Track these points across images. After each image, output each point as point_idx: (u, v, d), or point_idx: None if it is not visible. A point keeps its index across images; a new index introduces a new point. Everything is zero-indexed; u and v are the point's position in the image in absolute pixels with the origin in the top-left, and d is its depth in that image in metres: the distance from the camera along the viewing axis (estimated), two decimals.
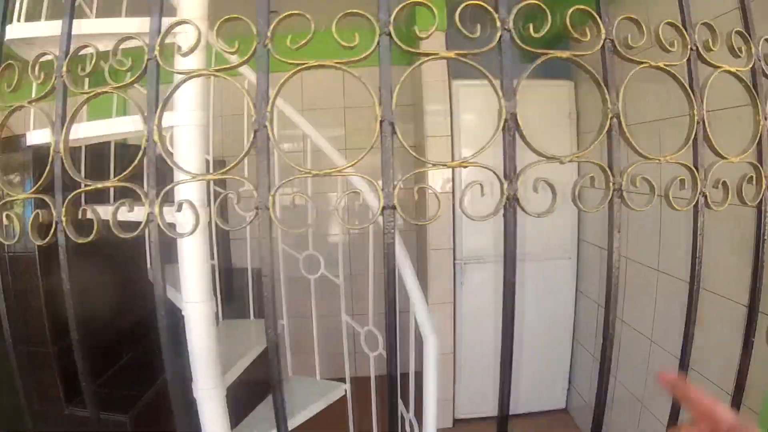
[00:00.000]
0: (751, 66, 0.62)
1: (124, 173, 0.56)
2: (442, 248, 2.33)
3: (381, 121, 0.52)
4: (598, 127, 0.56)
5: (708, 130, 0.59)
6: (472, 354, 2.44)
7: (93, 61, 0.58)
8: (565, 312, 2.45)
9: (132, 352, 1.60)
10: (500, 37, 0.54)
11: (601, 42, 0.57)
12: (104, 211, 0.58)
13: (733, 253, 1.35)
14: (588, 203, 0.57)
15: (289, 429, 0.62)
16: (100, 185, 0.57)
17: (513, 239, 0.55)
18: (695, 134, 0.59)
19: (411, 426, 1.35)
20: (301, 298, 1.67)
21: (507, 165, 0.55)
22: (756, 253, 0.63)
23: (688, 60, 0.59)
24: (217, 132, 1.73)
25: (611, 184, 0.57)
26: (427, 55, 0.55)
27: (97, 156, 1.50)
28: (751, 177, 0.61)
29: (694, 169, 0.59)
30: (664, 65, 0.58)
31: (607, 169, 0.57)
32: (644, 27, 0.57)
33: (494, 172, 0.54)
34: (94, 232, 0.57)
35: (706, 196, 0.60)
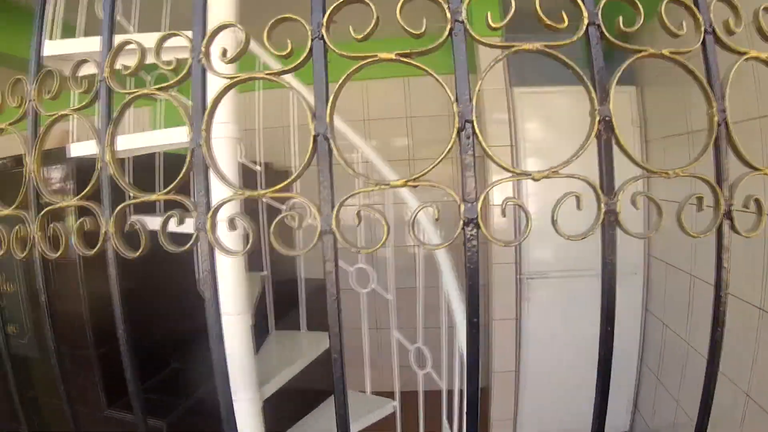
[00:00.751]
0: None
1: (172, 185, 0.56)
2: (505, 262, 2.30)
3: (459, 129, 0.47)
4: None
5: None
6: (536, 372, 2.40)
7: (137, 60, 0.58)
8: (632, 330, 2.37)
9: (177, 362, 1.62)
10: (587, 29, 0.49)
11: (702, 35, 0.51)
12: (152, 222, 0.59)
13: None
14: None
15: None
16: (148, 198, 0.57)
17: (613, 262, 0.49)
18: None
19: None
20: (350, 311, 1.66)
21: (604, 177, 0.49)
22: None
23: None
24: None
25: (721, 204, 0.49)
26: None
27: (140, 169, 1.50)
28: None
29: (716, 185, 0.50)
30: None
31: (716, 185, 0.50)
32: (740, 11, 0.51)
33: (590, 184, 0.48)
34: (142, 246, 0.58)
35: None
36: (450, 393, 1.41)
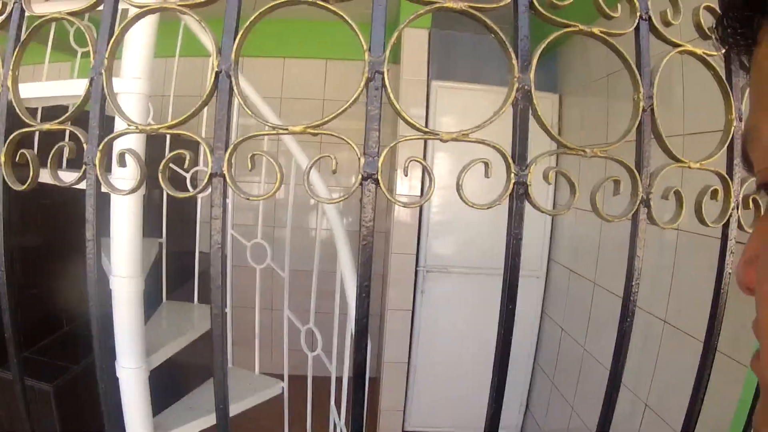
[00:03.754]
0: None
1: (67, 114, 0.52)
2: (404, 253, 2.28)
3: (368, 79, 0.45)
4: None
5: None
6: (428, 365, 2.39)
7: None
8: (529, 332, 2.40)
9: (70, 324, 1.53)
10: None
11: (636, 20, 0.50)
12: (44, 175, 0.54)
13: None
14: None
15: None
16: (41, 127, 0.53)
17: (518, 235, 0.46)
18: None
19: None
20: (245, 288, 1.63)
21: (517, 147, 0.46)
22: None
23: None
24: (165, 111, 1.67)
25: (639, 191, 0.48)
26: None
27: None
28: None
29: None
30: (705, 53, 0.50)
31: (635, 171, 0.48)
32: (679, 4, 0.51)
33: (502, 151, 0.45)
34: (30, 177, 0.53)
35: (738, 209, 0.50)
36: (339, 379, 1.35)
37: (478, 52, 2.33)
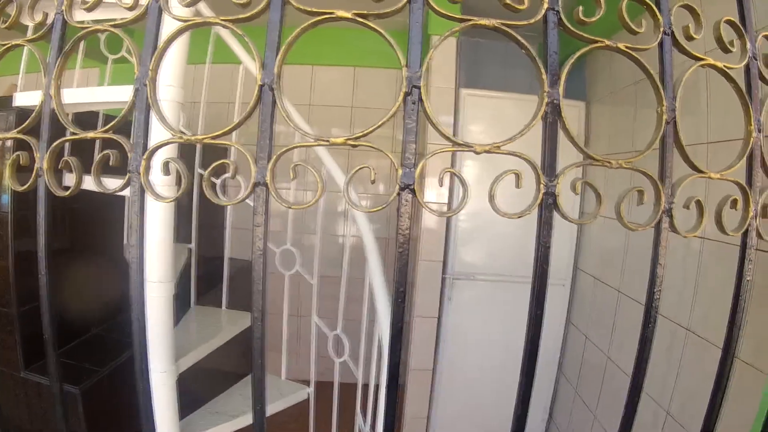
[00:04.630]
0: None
1: (112, 123, 0.54)
2: (432, 260, 2.28)
3: (406, 93, 0.46)
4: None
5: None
6: (453, 373, 2.40)
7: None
8: (554, 340, 2.39)
9: (99, 327, 1.56)
10: (545, 15, 0.49)
11: (660, 35, 0.52)
12: (87, 181, 0.56)
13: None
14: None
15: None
16: (86, 135, 0.55)
17: (547, 243, 0.48)
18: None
19: None
20: (273, 294, 1.63)
21: (546, 158, 0.48)
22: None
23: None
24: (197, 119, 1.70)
25: (662, 201, 0.49)
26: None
27: (82, 129, 1.48)
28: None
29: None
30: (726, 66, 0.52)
31: (658, 181, 0.50)
32: (701, 17, 0.52)
33: (532, 163, 0.47)
34: (74, 185, 0.55)
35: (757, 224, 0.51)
36: (366, 386, 1.37)
37: (505, 59, 2.34)
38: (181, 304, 1.60)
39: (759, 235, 0.55)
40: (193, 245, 1.67)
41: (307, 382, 1.54)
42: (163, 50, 0.53)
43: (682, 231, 0.51)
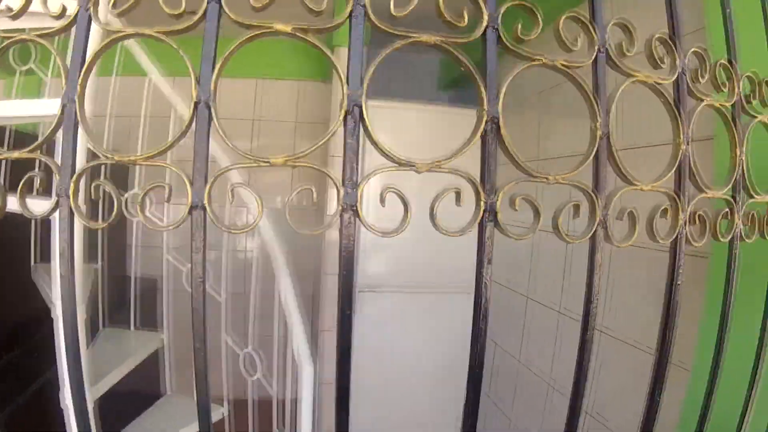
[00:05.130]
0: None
1: (38, 142, 0.51)
2: (337, 273, 2.26)
3: (347, 112, 0.47)
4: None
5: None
6: (361, 385, 2.37)
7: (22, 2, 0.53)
8: (461, 348, 2.37)
9: (10, 352, 1.47)
10: (485, 32, 0.50)
11: (595, 51, 0.54)
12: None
13: (641, 297, 1.36)
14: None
15: None
16: (10, 156, 0.52)
17: (485, 262, 0.49)
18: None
19: None
20: (183, 312, 1.61)
21: (486, 174, 0.48)
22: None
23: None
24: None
25: (597, 213, 0.51)
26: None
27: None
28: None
29: (593, 194, 0.52)
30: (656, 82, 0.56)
31: (593, 194, 0.51)
32: (633, 34, 0.55)
33: (472, 180, 0.48)
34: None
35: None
36: (283, 402, 1.38)
37: (411, 70, 2.33)
38: (90, 327, 1.54)
39: (689, 241, 0.58)
40: (98, 265, 1.61)
41: (221, 401, 1.50)
42: (92, 63, 0.51)
43: (615, 241, 0.53)
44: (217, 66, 0.48)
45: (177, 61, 0.50)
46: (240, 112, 2.76)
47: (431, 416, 2.40)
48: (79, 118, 0.50)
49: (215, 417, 1.47)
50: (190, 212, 0.46)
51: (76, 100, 0.50)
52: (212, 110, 0.47)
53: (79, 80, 0.50)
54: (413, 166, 0.48)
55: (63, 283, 0.50)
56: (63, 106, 0.50)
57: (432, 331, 2.36)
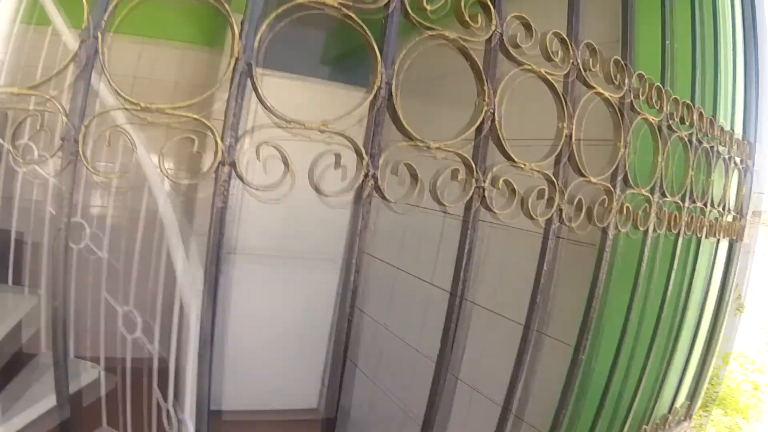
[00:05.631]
0: (621, 95, 0.66)
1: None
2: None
3: (237, 60, 0.47)
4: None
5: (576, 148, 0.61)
6: (236, 347, 2.33)
7: None
8: (325, 314, 2.46)
9: None
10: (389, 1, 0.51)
11: (490, 34, 0.57)
12: None
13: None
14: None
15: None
16: None
17: (364, 228, 0.51)
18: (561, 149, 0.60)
19: (168, 417, 1.30)
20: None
21: (371, 140, 0.50)
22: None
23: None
24: None
25: (474, 181, 0.55)
26: None
27: None
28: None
29: (555, 180, 0.59)
30: (546, 72, 0.60)
31: (472, 162, 0.55)
32: (534, 31, 0.58)
33: (354, 144, 0.48)
34: None
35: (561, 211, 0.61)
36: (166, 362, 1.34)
37: (293, 43, 2.31)
38: None
39: (561, 221, 0.63)
40: None
41: (99, 360, 1.44)
42: None
43: (494, 208, 0.57)
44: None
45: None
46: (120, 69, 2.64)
47: (292, 377, 2.43)
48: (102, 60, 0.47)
49: (90, 377, 1.41)
50: (62, 144, 0.45)
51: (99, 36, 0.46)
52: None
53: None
54: (302, 124, 0.49)
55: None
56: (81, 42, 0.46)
57: (296, 296, 2.37)
